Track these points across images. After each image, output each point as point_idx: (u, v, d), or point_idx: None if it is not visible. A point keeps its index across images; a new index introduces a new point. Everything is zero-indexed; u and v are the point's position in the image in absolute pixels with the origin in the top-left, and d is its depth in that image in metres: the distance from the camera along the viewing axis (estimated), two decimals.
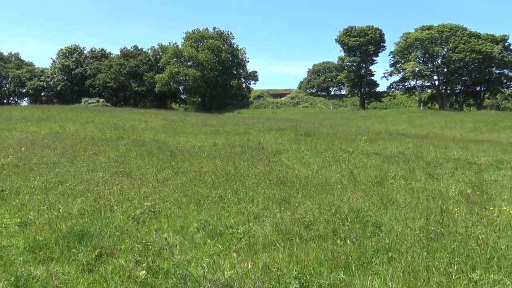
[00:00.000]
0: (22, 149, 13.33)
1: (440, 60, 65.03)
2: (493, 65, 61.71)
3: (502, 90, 65.35)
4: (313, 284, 4.29)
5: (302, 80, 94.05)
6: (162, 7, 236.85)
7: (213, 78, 72.37)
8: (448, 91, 66.28)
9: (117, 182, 9.03)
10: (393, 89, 71.33)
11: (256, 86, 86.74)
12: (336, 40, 71.09)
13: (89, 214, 6.84)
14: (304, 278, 4.34)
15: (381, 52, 71.25)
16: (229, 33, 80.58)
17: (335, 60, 78.15)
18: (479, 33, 62.00)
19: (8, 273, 4.49)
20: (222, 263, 4.93)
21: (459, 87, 68.28)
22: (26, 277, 4.43)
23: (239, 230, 6.00)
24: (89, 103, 60.74)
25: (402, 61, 66.42)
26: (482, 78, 62.75)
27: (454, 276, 4.31)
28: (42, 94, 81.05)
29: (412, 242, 5.48)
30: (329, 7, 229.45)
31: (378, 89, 73.72)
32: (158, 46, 79.98)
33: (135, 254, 5.06)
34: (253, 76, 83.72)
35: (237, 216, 6.85)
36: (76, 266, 4.85)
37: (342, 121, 40.94)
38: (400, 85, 70.09)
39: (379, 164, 12.46)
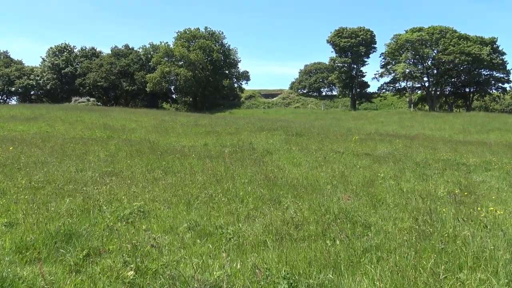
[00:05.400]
0: (10, 148, 13.16)
1: (430, 61, 65.60)
2: (482, 66, 62.46)
3: (491, 91, 66.21)
4: (301, 284, 4.30)
5: (294, 80, 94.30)
6: (153, 7, 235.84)
7: (204, 78, 72.10)
8: (438, 93, 66.96)
9: (106, 182, 8.96)
10: (383, 90, 71.79)
11: (248, 86, 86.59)
12: (328, 41, 71.41)
13: (78, 214, 6.77)
14: (293, 278, 4.35)
15: (372, 53, 71.82)
16: (220, 33, 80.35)
17: (326, 61, 78.46)
18: (468, 35, 62.71)
19: None
20: (211, 263, 4.91)
21: (448, 88, 69.01)
22: (12, 277, 4.36)
23: (229, 230, 5.99)
24: (79, 102, 60.28)
25: (393, 62, 66.89)
26: (471, 80, 63.52)
27: (442, 276, 4.34)
28: (32, 93, 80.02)
29: (401, 242, 5.52)
30: (320, 8, 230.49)
31: (369, 90, 74.31)
32: (149, 46, 79.54)
33: (124, 254, 5.02)
34: (245, 76, 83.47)
35: (227, 216, 6.84)
36: (63, 267, 4.80)
37: (333, 122, 41.08)
38: (390, 86, 70.53)
39: (369, 164, 12.53)
